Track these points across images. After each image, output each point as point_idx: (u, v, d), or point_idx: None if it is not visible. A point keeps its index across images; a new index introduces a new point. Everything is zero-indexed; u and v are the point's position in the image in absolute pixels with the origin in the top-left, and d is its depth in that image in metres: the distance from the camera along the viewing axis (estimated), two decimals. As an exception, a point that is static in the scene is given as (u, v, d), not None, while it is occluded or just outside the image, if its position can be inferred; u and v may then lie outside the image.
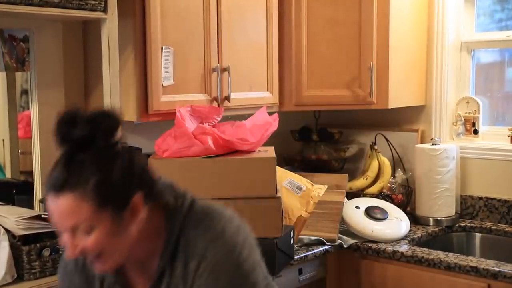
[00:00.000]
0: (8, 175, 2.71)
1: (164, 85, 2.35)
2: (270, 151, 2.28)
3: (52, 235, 2.06)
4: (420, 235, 2.81)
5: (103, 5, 2.12)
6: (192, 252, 1.26)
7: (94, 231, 1.19)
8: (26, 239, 2.01)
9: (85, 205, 1.17)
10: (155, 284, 1.32)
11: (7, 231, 2.00)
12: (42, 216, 2.08)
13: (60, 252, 2.06)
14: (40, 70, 2.38)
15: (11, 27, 2.39)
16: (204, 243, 1.26)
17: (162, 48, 2.32)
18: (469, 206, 3.06)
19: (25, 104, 2.69)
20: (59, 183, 1.17)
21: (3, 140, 2.70)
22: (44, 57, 2.37)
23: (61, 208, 1.17)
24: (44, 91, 2.40)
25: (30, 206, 2.40)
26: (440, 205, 2.95)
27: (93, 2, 2.08)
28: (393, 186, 3.06)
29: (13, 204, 2.36)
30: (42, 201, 2.34)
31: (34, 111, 2.40)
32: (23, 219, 2.02)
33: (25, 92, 2.71)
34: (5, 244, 1.97)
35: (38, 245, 2.02)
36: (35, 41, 2.36)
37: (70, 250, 1.20)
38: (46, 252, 2.04)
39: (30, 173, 2.47)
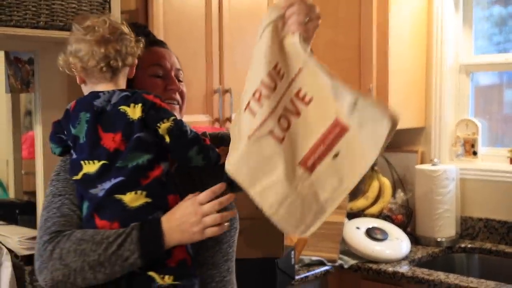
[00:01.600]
0: (11, 195, 2.73)
1: (166, 106, 2.38)
2: (271, 172, 2.30)
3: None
4: (420, 255, 2.82)
5: (107, 28, 2.16)
6: None
7: (183, 85, 1.57)
8: (29, 259, 2.02)
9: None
10: None
11: (10, 251, 2.01)
12: (45, 236, 2.09)
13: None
14: (44, 91, 2.41)
15: (17, 50, 2.43)
16: None
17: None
18: (469, 227, 3.07)
19: (29, 125, 2.72)
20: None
21: (7, 160, 2.72)
22: (48, 78, 2.40)
23: (173, 59, 1.57)
24: (48, 112, 2.42)
25: (33, 226, 2.42)
26: (441, 225, 2.96)
27: (97, 25, 2.12)
28: (394, 207, 3.08)
29: (16, 224, 2.38)
30: (45, 221, 2.36)
31: (38, 132, 2.43)
32: (26, 239, 2.04)
33: (29, 113, 2.74)
34: (8, 264, 1.98)
35: (40, 265, 2.03)
36: (40, 63, 2.39)
37: (176, 88, 1.53)
38: (48, 272, 2.05)
39: (34, 194, 2.49)
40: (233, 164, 1.28)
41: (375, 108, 1.25)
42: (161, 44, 1.60)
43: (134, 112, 1.33)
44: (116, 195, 1.31)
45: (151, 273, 1.29)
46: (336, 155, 1.24)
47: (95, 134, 1.34)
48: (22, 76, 2.47)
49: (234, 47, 2.64)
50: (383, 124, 1.22)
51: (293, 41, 1.33)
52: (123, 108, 1.33)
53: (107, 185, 1.32)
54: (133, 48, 1.41)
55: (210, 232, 1.29)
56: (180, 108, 1.54)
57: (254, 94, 1.29)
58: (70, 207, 1.37)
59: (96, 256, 1.26)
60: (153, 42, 1.57)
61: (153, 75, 1.51)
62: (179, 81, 1.55)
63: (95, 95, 1.38)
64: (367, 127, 1.23)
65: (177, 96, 1.53)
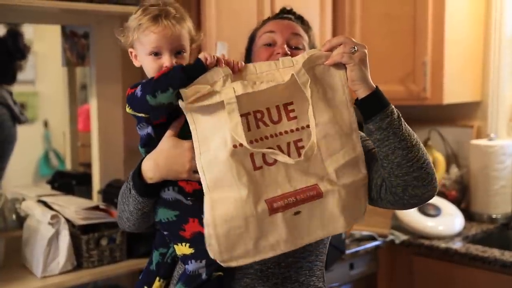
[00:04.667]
0: (68, 166, 2.81)
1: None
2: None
3: (109, 225, 2.13)
4: (474, 232, 2.77)
5: (160, 1, 2.17)
6: None
7: (303, 52, 1.42)
8: (85, 229, 2.09)
9: (307, 36, 1.52)
10: None
11: (67, 220, 2.07)
12: (100, 207, 2.15)
13: (117, 242, 2.13)
14: (99, 65, 2.45)
15: (72, 24, 2.47)
16: None
17: (216, 44, 2.36)
18: (526, 204, 2.99)
19: (85, 98, 2.78)
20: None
21: (64, 132, 2.80)
22: (103, 52, 2.44)
23: (292, 25, 1.51)
24: (103, 85, 2.47)
25: (89, 197, 2.48)
26: (496, 202, 2.90)
27: (150, -2, 2.14)
28: (447, 182, 3.02)
29: (73, 195, 2.44)
30: (100, 192, 2.42)
31: (93, 105, 2.48)
32: (82, 209, 2.10)
33: (84, 86, 2.80)
34: (66, 233, 2.04)
35: (96, 234, 2.09)
36: (95, 37, 2.43)
37: (282, 52, 1.44)
38: (104, 242, 2.11)
39: (89, 165, 2.55)
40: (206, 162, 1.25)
41: (356, 199, 1.30)
42: (284, 17, 1.57)
43: None
44: None
45: (174, 246, 1.37)
46: (297, 213, 1.25)
47: None
48: (77, 50, 2.52)
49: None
50: (339, 222, 1.28)
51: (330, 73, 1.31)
52: None
53: None
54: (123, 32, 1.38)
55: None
56: None
57: (256, 112, 1.26)
58: None
59: (123, 187, 1.43)
60: (275, 17, 1.57)
61: (263, 44, 1.49)
62: (294, 48, 1.47)
63: None
64: (333, 209, 1.28)
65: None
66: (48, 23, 2.47)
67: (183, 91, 1.22)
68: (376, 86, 1.32)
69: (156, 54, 1.32)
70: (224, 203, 1.22)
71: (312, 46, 1.52)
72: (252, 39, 1.55)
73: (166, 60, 1.32)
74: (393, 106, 1.31)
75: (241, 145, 1.21)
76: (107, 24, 2.39)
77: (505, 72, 3.03)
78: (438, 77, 2.82)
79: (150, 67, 1.34)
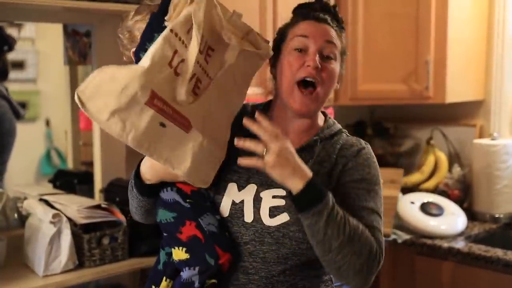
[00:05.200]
0: (70, 165, 2.81)
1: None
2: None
3: (111, 224, 2.12)
4: (477, 231, 2.76)
5: None
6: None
7: (334, 63, 1.40)
8: (87, 228, 2.09)
9: (340, 41, 1.43)
10: (299, 150, 1.36)
11: (69, 219, 2.07)
12: (102, 205, 2.14)
13: (119, 241, 2.13)
14: (101, 63, 2.41)
15: (74, 22, 2.47)
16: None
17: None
18: (529, 204, 2.98)
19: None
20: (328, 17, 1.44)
21: (66, 131, 2.80)
22: (105, 51, 2.44)
23: (327, 31, 1.40)
24: (105, 84, 2.46)
25: (91, 195, 2.48)
26: (499, 201, 2.89)
27: (152, -3, 2.13)
28: (450, 182, 3.02)
29: (75, 193, 2.44)
30: (102, 191, 2.42)
31: (95, 103, 2.47)
32: (84, 208, 2.09)
33: (86, 85, 2.80)
34: (67, 232, 2.04)
35: (97, 233, 2.09)
36: (97, 36, 2.43)
37: (312, 65, 1.36)
38: (105, 240, 2.11)
39: (91, 164, 2.55)
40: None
41: (209, 161, 1.29)
42: (320, 18, 1.42)
43: None
44: None
45: (172, 249, 1.38)
46: (163, 125, 1.21)
47: None
48: (79, 49, 2.51)
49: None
50: (185, 163, 1.25)
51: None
52: None
53: None
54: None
55: None
56: (314, 87, 1.37)
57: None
58: None
59: (130, 183, 1.46)
60: (310, 16, 1.43)
61: (295, 48, 1.40)
62: (326, 57, 1.39)
63: None
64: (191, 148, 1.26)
65: (313, 72, 1.36)
66: (50, 21, 2.46)
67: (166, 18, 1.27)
68: (306, 184, 1.24)
69: None
70: (126, 68, 1.23)
71: (343, 50, 1.45)
72: (282, 35, 1.46)
73: None
74: (319, 207, 1.23)
75: (176, 34, 1.23)
76: (109, 23, 2.39)
77: (508, 71, 3.02)
78: (441, 76, 2.81)
79: None
